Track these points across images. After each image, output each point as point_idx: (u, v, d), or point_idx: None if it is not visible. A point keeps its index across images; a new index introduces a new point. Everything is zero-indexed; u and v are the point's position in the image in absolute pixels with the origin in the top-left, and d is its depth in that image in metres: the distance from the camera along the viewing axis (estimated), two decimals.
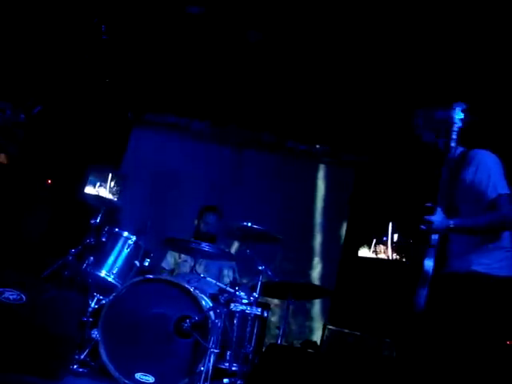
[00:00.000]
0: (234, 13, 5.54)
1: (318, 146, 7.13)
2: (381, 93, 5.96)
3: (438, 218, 3.03)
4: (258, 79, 6.33)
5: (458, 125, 3.09)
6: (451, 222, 3.05)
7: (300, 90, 6.30)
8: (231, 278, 5.32)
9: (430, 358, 3.06)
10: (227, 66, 6.25)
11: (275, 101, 6.51)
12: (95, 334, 4.20)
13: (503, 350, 3.09)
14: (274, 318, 6.35)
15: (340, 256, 6.86)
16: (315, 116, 6.59)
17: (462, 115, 3.09)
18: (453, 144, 3.09)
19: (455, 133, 3.08)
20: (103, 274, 4.61)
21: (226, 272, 5.38)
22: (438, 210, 3.07)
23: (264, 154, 7.17)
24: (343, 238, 6.93)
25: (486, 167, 3.08)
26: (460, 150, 3.26)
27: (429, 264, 3.03)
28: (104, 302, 4.45)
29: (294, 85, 6.25)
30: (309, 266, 6.93)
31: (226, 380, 4.14)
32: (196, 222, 5.56)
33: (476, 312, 2.97)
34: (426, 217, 3.04)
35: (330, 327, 4.85)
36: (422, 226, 3.04)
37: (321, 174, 7.23)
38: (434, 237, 3.08)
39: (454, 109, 3.10)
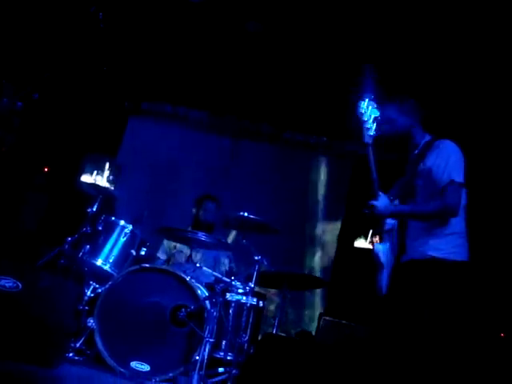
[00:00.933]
0: (233, 2, 5.52)
1: (315, 137, 7.13)
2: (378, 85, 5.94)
3: (380, 203, 3.14)
4: (256, 70, 6.31)
5: (364, 116, 3.18)
6: (394, 208, 3.17)
7: (298, 81, 6.29)
8: (227, 267, 5.34)
9: (395, 344, 3.13)
10: (226, 56, 6.23)
11: (273, 91, 6.50)
12: (91, 322, 4.20)
13: (459, 332, 3.17)
14: (272, 307, 6.37)
15: (336, 246, 6.88)
16: (312, 107, 6.57)
17: (368, 105, 3.19)
18: (370, 133, 3.17)
19: (366, 123, 3.16)
20: (99, 262, 4.61)
21: (222, 260, 5.39)
22: (381, 195, 3.17)
23: (262, 145, 7.17)
24: (340, 228, 6.94)
25: (446, 155, 3.17)
26: (427, 138, 3.35)
27: (378, 247, 3.20)
28: (100, 290, 4.46)
29: (293, 76, 6.24)
30: (305, 257, 6.94)
31: (221, 369, 4.16)
32: (194, 211, 5.55)
33: (436, 296, 3.04)
34: (369, 201, 3.14)
35: (326, 318, 4.86)
36: (366, 210, 3.15)
37: (318, 165, 7.23)
38: (389, 221, 3.21)
39: (364, 100, 3.19)
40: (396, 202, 3.34)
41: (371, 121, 3.17)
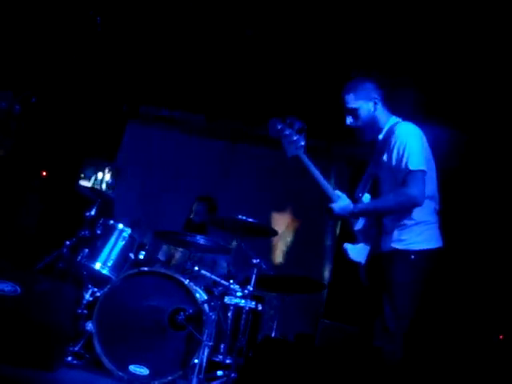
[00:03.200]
0: (230, 7, 5.53)
1: (313, 141, 7.11)
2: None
3: (338, 205, 3.15)
4: (253, 73, 6.31)
5: (285, 132, 3.28)
6: (354, 207, 3.13)
7: (295, 84, 6.29)
8: (226, 270, 5.33)
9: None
10: (223, 60, 6.24)
11: (270, 95, 6.50)
12: (90, 326, 4.20)
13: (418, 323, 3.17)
14: (271, 310, 6.35)
15: (335, 249, 6.87)
16: (310, 110, 6.56)
17: (287, 119, 3.29)
18: (300, 144, 3.33)
19: (289, 136, 3.29)
20: (98, 266, 4.61)
21: (220, 263, 5.39)
22: (340, 196, 3.20)
23: (260, 148, 7.16)
24: (339, 231, 6.94)
25: (403, 143, 3.05)
26: (392, 122, 3.24)
27: (346, 246, 3.20)
28: (98, 294, 4.45)
29: (290, 79, 6.24)
30: (304, 260, 6.93)
31: (219, 373, 4.16)
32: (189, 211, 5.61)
33: (399, 286, 3.01)
34: (327, 205, 3.17)
35: (325, 321, 4.86)
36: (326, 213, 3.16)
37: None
38: (360, 221, 3.19)
39: (276, 121, 3.29)
40: (366, 196, 3.30)
41: (295, 132, 3.19)
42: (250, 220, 4.25)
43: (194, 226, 5.37)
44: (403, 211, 3.06)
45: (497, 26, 4.80)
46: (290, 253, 6.83)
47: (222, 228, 4.73)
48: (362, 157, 6.85)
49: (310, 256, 6.94)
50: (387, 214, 3.11)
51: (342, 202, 3.16)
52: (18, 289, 3.63)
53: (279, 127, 3.15)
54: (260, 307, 4.44)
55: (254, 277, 4.34)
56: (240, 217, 4.23)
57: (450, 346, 5.07)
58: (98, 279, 4.62)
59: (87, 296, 4.48)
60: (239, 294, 4.36)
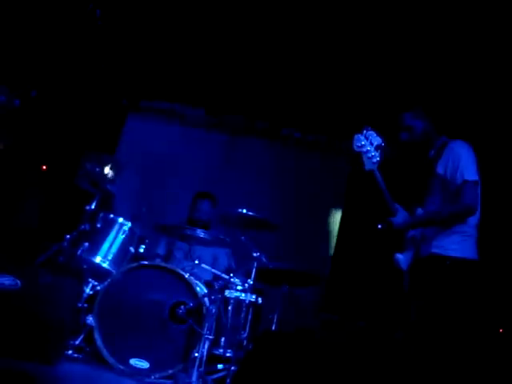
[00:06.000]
0: (230, 2, 5.52)
1: (313, 134, 7.12)
2: (377, 82, 5.95)
3: (398, 218, 3.29)
4: (253, 67, 6.30)
5: (365, 147, 3.30)
6: (411, 220, 3.32)
7: (296, 78, 6.28)
8: (226, 265, 5.33)
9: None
10: (224, 54, 6.22)
11: (270, 88, 6.49)
12: (90, 319, 4.21)
13: (456, 327, 3.28)
14: (271, 304, 6.35)
15: (335, 243, 6.88)
16: (311, 104, 6.56)
17: (368, 135, 3.34)
18: (374, 160, 3.31)
19: (368, 152, 3.30)
20: (98, 260, 4.61)
21: (221, 257, 5.38)
22: (399, 210, 3.33)
23: (259, 142, 7.16)
24: (338, 224, 6.94)
25: (457, 155, 3.28)
26: (442, 140, 3.46)
27: (398, 257, 3.38)
28: (99, 288, 4.46)
29: (290, 72, 6.22)
30: (304, 253, 6.93)
31: (220, 366, 4.18)
32: (189, 209, 5.54)
33: (434, 289, 3.19)
34: (387, 218, 3.31)
35: (324, 314, 4.87)
36: (380, 226, 3.33)
37: (316, 162, 7.20)
38: (410, 232, 3.37)
39: (361, 133, 3.33)
40: (419, 209, 3.46)
41: (373, 149, 3.29)
42: (251, 213, 4.25)
43: (196, 224, 5.27)
44: (459, 220, 3.24)
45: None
46: (290, 246, 6.81)
47: (223, 222, 4.73)
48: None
49: (310, 249, 6.94)
50: (443, 224, 3.27)
51: (401, 215, 3.32)
52: (19, 283, 3.63)
53: (362, 143, 3.29)
54: (260, 301, 4.45)
55: (254, 270, 4.35)
56: (240, 210, 4.23)
57: (443, 340, 5.08)
58: (99, 273, 4.62)
59: (87, 290, 4.48)
60: (239, 287, 4.37)
